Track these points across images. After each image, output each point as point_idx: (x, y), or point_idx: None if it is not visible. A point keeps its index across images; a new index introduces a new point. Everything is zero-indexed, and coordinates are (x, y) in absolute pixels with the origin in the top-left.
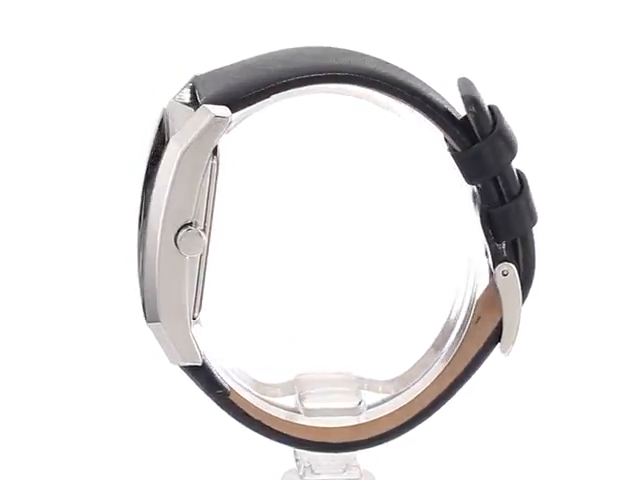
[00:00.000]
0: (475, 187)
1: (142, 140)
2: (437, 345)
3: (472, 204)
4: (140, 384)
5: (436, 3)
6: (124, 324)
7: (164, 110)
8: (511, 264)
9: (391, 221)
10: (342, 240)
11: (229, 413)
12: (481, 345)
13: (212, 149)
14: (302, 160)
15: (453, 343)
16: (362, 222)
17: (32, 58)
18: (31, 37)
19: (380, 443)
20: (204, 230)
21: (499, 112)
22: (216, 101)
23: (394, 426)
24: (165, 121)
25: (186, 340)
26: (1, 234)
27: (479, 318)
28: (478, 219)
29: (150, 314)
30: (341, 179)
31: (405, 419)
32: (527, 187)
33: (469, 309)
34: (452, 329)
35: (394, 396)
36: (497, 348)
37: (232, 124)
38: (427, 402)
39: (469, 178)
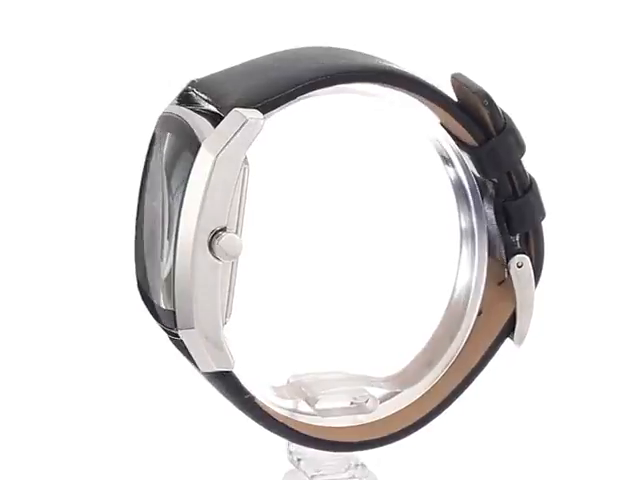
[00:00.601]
0: (489, 182)
1: (137, 147)
2: (447, 337)
3: (481, 200)
4: (140, 384)
5: (436, 3)
6: (124, 324)
7: (161, 117)
8: (525, 256)
9: (398, 220)
10: (346, 240)
11: (255, 418)
12: (493, 339)
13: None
14: (317, 161)
15: (460, 339)
16: (366, 221)
17: (32, 59)
18: (31, 39)
19: (395, 440)
20: (236, 234)
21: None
22: (245, 104)
23: (407, 424)
24: (162, 129)
25: (220, 346)
26: (1, 234)
27: (480, 312)
28: (492, 213)
29: (183, 321)
30: (341, 179)
31: (416, 418)
32: (535, 182)
33: (473, 303)
34: (457, 323)
35: (400, 392)
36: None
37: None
38: (436, 401)
39: (485, 173)
